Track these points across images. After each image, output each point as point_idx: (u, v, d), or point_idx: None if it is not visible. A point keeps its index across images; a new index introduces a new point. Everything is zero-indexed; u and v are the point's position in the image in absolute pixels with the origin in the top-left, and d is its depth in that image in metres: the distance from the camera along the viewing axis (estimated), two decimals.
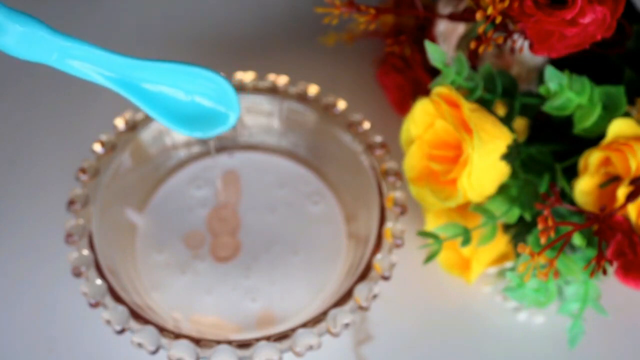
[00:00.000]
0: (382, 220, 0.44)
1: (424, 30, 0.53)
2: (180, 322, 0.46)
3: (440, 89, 0.42)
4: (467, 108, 0.41)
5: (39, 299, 0.50)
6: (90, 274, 0.42)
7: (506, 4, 0.39)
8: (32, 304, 0.49)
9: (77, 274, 0.42)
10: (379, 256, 0.43)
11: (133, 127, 0.48)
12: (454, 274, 0.49)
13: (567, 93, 0.42)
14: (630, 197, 0.40)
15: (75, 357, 0.48)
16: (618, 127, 0.41)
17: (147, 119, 0.49)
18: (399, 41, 0.47)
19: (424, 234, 0.44)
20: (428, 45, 0.42)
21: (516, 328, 0.49)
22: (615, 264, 0.40)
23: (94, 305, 0.42)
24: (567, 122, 0.44)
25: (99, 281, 0.42)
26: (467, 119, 0.40)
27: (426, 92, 0.44)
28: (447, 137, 0.43)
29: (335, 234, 0.50)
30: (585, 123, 0.43)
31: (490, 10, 0.39)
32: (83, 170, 0.46)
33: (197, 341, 0.40)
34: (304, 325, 0.40)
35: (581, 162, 0.43)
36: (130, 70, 0.37)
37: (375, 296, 0.42)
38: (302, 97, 0.50)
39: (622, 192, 0.41)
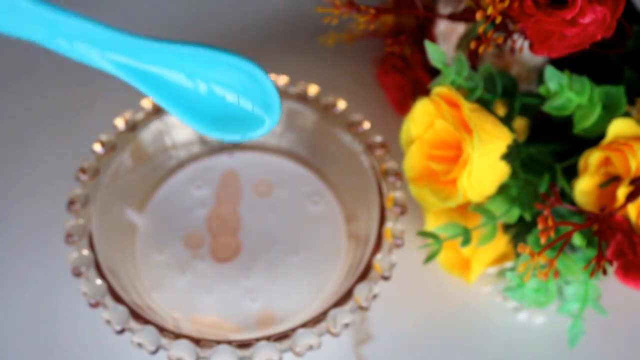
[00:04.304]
0: (382, 220, 0.44)
1: (424, 30, 0.53)
2: (180, 322, 0.46)
3: (440, 89, 0.42)
4: (467, 108, 0.41)
5: (39, 299, 0.50)
6: (90, 274, 0.42)
7: (506, 4, 0.39)
8: (32, 303, 0.49)
9: (77, 274, 0.42)
10: (379, 256, 0.43)
11: (133, 127, 0.48)
12: (454, 274, 0.49)
13: (567, 93, 0.42)
14: (630, 197, 0.40)
15: (75, 357, 0.48)
16: (618, 127, 0.41)
17: (147, 119, 0.49)
18: (399, 41, 0.47)
19: (424, 234, 0.44)
20: (428, 45, 0.42)
21: (516, 328, 0.49)
22: (615, 264, 0.40)
23: (94, 305, 0.42)
24: (567, 122, 0.44)
25: (99, 281, 0.42)
26: (467, 119, 0.40)
27: (426, 92, 0.44)
28: (447, 137, 0.43)
29: (335, 234, 0.50)
30: (585, 123, 0.43)
31: (490, 10, 0.39)
32: (83, 170, 0.46)
33: (197, 341, 0.40)
34: (304, 325, 0.40)
35: (581, 162, 0.43)
36: (138, 52, 0.30)
37: (375, 296, 0.42)
38: (302, 97, 0.50)
39: (622, 192, 0.40)
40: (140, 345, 0.40)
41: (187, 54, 0.31)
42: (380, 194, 0.45)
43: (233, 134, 0.33)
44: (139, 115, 0.49)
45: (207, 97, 0.32)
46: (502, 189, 0.44)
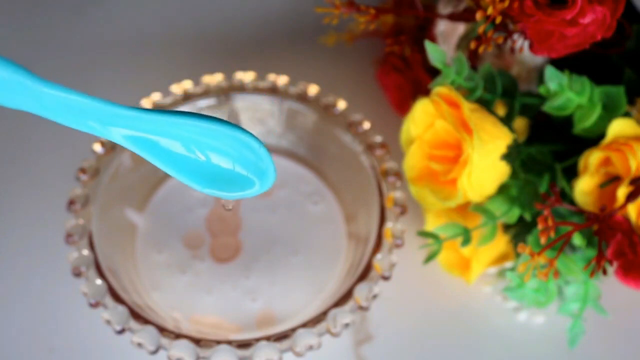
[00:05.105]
0: (382, 220, 0.44)
1: (424, 30, 0.53)
2: (180, 322, 0.46)
3: (440, 89, 0.42)
4: (467, 108, 0.41)
5: (39, 299, 0.50)
6: (90, 274, 0.42)
7: (506, 4, 0.39)
8: (32, 303, 0.49)
9: (77, 274, 0.42)
10: (379, 256, 0.43)
11: None
12: (454, 274, 0.49)
13: (567, 93, 0.42)
14: (630, 197, 0.40)
15: (75, 357, 0.48)
16: (618, 127, 0.41)
17: None
18: (399, 41, 0.47)
19: (424, 234, 0.44)
20: (428, 45, 0.42)
21: (516, 328, 0.49)
22: (615, 264, 0.40)
23: (94, 305, 0.42)
24: (567, 122, 0.44)
25: (99, 281, 0.42)
26: (467, 119, 0.40)
27: (426, 92, 0.44)
28: (447, 137, 0.43)
29: (335, 234, 0.50)
30: (585, 123, 0.43)
31: (490, 10, 0.39)
32: (83, 170, 0.46)
33: (197, 341, 0.40)
34: (304, 325, 0.40)
35: (581, 162, 0.43)
36: (136, 124, 0.32)
37: (375, 296, 0.42)
38: (302, 97, 0.50)
39: (622, 192, 0.41)
40: (140, 345, 0.40)
41: (184, 123, 0.32)
42: (380, 194, 0.45)
43: (228, 192, 0.34)
44: None
45: (204, 162, 0.33)
46: (502, 189, 0.44)
